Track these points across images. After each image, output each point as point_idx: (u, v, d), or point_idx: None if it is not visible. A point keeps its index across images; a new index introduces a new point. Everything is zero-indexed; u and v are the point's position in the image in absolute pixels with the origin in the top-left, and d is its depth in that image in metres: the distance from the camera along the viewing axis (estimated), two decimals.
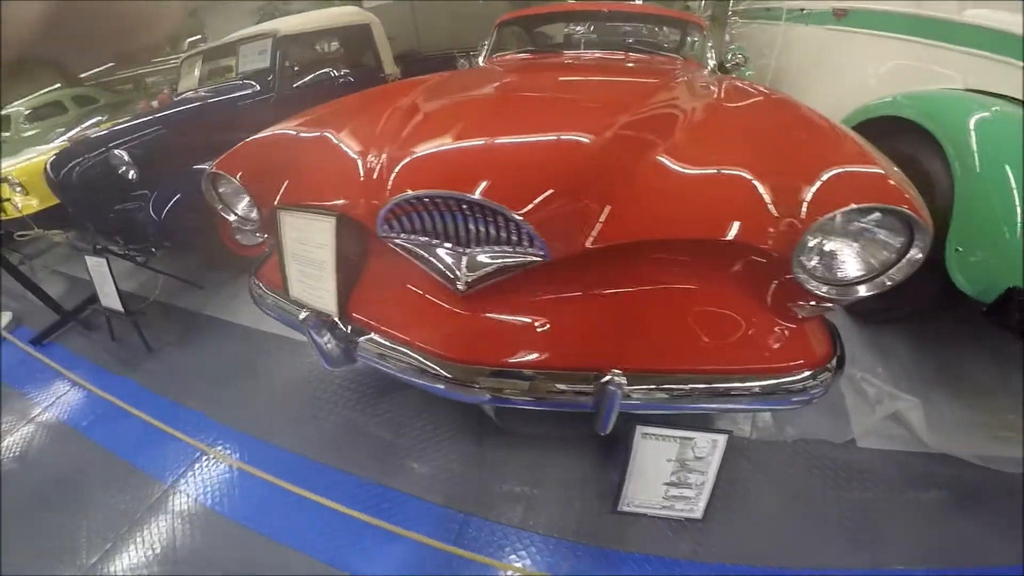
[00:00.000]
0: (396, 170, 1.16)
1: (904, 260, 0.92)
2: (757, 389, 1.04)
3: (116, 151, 2.53)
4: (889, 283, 0.94)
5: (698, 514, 1.34)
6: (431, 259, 1.12)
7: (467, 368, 1.09)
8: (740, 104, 1.53)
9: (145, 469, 1.76)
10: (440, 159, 1.16)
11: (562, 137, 1.19)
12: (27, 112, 6.61)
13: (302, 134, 1.61)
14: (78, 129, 4.50)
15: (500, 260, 1.04)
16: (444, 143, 1.19)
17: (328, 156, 1.46)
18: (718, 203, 1.03)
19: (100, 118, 5.55)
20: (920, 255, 0.90)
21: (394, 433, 1.75)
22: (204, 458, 1.77)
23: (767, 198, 0.99)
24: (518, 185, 1.03)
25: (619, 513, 1.37)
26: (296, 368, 2.14)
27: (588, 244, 1.00)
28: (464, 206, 1.03)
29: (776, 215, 0.96)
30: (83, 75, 10.30)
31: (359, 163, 1.33)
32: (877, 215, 0.90)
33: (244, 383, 2.14)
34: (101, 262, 2.36)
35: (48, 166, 2.68)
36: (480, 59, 2.76)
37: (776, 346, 1.08)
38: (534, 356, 1.09)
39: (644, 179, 1.09)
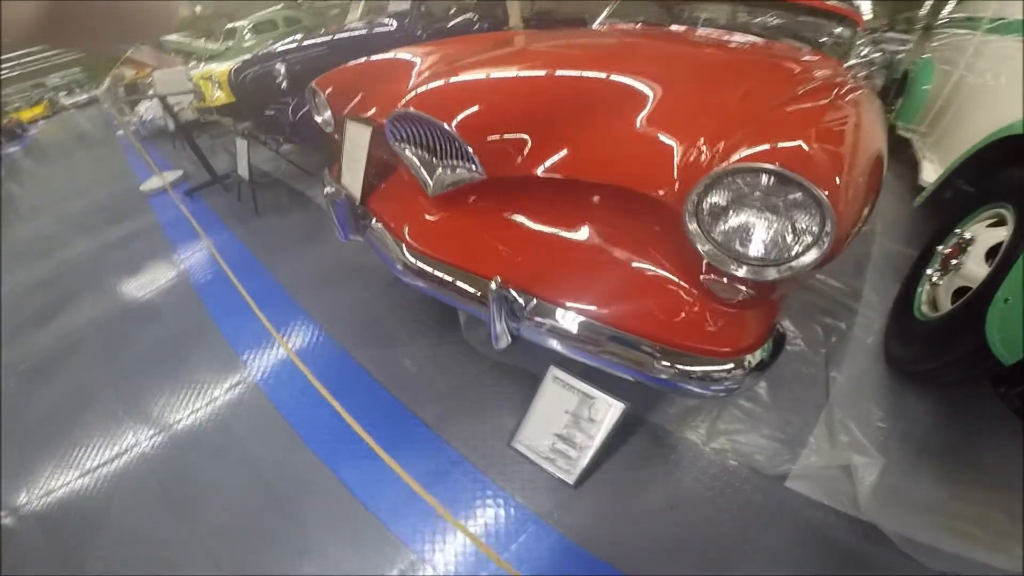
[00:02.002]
0: (409, 96, 1.51)
1: (814, 246, 0.89)
2: (648, 350, 1.08)
3: (277, 65, 3.28)
4: (795, 268, 0.91)
5: (572, 479, 1.37)
6: (413, 166, 1.46)
7: (421, 256, 1.43)
8: (772, 81, 1.47)
9: (226, 338, 2.26)
10: (433, 91, 1.46)
11: (532, 87, 1.42)
12: (249, 26, 8.26)
13: (379, 64, 2.05)
14: (275, 43, 5.63)
15: (454, 173, 1.35)
16: (444, 81, 1.49)
17: (386, 82, 1.86)
18: (639, 156, 1.15)
19: (297, 36, 6.83)
20: (827, 241, 0.86)
21: (383, 316, 2.14)
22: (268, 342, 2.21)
23: (679, 157, 1.07)
24: (470, 117, 1.28)
25: (512, 449, 1.47)
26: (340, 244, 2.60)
27: (513, 171, 1.25)
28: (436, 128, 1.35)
29: (677, 173, 1.04)
30: None
31: (401, 89, 1.70)
32: (798, 195, 0.88)
33: (303, 249, 2.82)
34: (244, 144, 3.21)
35: (231, 72, 3.56)
36: (595, 23, 2.93)
37: (689, 322, 1.10)
38: (464, 259, 1.34)
39: (590, 131, 1.25)
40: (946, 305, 1.54)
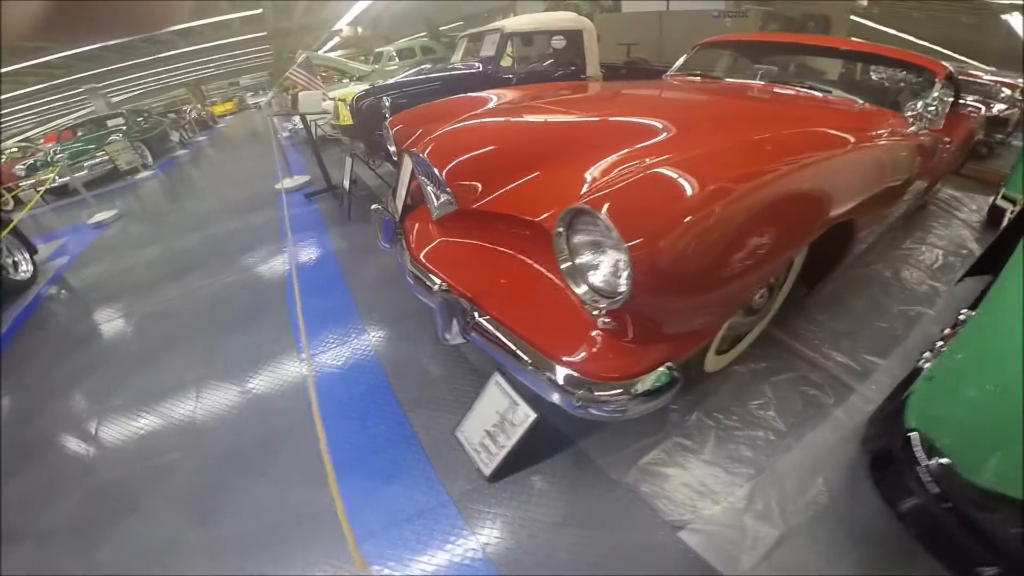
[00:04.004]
0: (426, 139, 1.93)
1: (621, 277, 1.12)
2: (527, 361, 1.35)
3: (384, 97, 4.00)
4: (617, 299, 1.13)
5: (487, 472, 1.60)
6: (426, 192, 1.87)
7: (424, 270, 1.82)
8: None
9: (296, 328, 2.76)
10: (439, 137, 1.89)
11: (503, 137, 1.85)
12: (394, 52, 9.57)
13: (439, 106, 2.54)
14: (412, 70, 6.58)
15: (442, 201, 1.74)
16: (450, 129, 1.94)
17: (436, 123, 2.32)
18: (554, 200, 1.43)
19: (427, 65, 7.83)
20: (624, 269, 1.08)
21: (411, 312, 2.57)
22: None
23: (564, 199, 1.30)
24: (450, 161, 1.72)
25: (455, 437, 1.74)
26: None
27: (472, 206, 1.61)
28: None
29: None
30: (441, 28, 14.01)
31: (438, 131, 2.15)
32: (612, 237, 1.09)
33: (368, 249, 3.47)
34: (350, 161, 3.96)
35: (354, 98, 4.37)
36: (666, 74, 3.19)
37: (570, 342, 1.33)
38: (446, 272, 1.70)
39: (533, 181, 1.61)
40: None
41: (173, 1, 0.37)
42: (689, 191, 1.20)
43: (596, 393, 1.26)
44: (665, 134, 1.75)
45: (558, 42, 4.08)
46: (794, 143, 1.60)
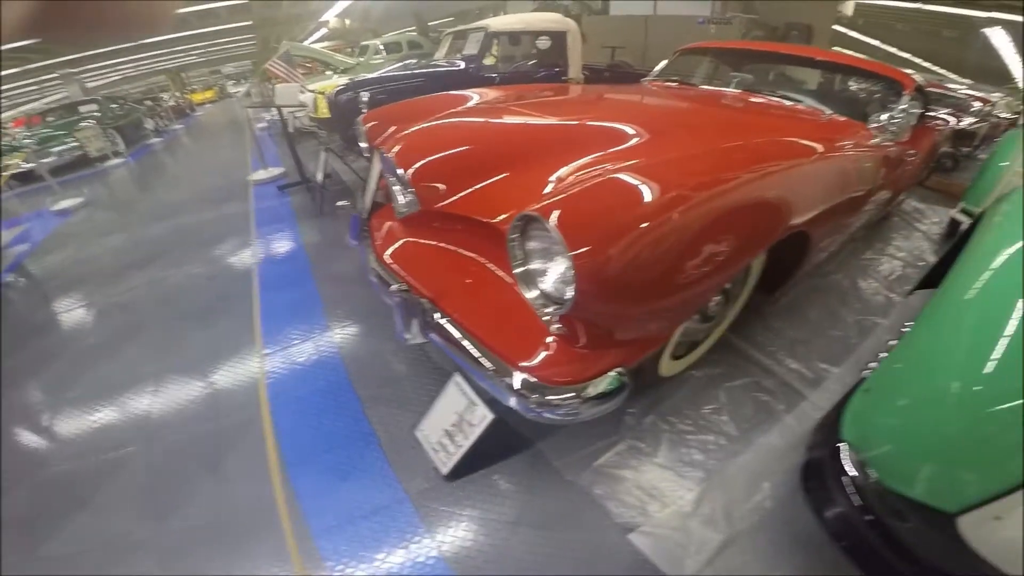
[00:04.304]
0: (396, 138, 1.93)
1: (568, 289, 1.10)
2: (484, 364, 1.36)
3: (363, 92, 3.98)
4: (563, 306, 1.14)
5: (445, 471, 1.62)
6: (392, 191, 1.87)
7: (381, 264, 1.81)
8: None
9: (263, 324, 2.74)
10: (408, 135, 1.88)
11: (471, 140, 1.84)
12: (381, 45, 9.46)
13: (415, 105, 2.54)
14: (396, 65, 6.51)
15: (407, 200, 1.74)
16: (419, 128, 1.94)
17: (409, 121, 2.31)
18: (515, 204, 1.43)
19: (412, 61, 7.74)
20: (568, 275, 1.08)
21: (376, 310, 2.55)
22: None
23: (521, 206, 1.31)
24: (415, 162, 1.72)
25: (414, 436, 1.74)
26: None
27: (434, 207, 1.61)
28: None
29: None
30: (431, 23, 13.90)
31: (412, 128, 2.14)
32: (558, 243, 1.09)
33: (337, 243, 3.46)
34: (324, 155, 3.92)
35: (333, 91, 4.34)
36: (646, 79, 3.22)
37: (526, 346, 1.35)
38: (409, 272, 1.71)
39: (498, 183, 1.62)
40: None
41: (161, 3, 0.38)
42: (646, 197, 1.21)
43: (549, 397, 1.28)
44: (636, 139, 1.78)
45: (543, 42, 4.10)
46: (758, 152, 1.63)
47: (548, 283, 1.24)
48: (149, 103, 13.77)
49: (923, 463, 0.98)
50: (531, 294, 1.26)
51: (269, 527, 1.59)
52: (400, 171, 1.71)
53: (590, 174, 1.44)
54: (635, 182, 1.26)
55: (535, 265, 1.26)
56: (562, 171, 1.58)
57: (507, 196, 1.57)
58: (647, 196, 1.21)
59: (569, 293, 1.11)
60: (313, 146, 6.07)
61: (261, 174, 5.43)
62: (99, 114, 9.58)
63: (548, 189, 1.52)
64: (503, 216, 1.47)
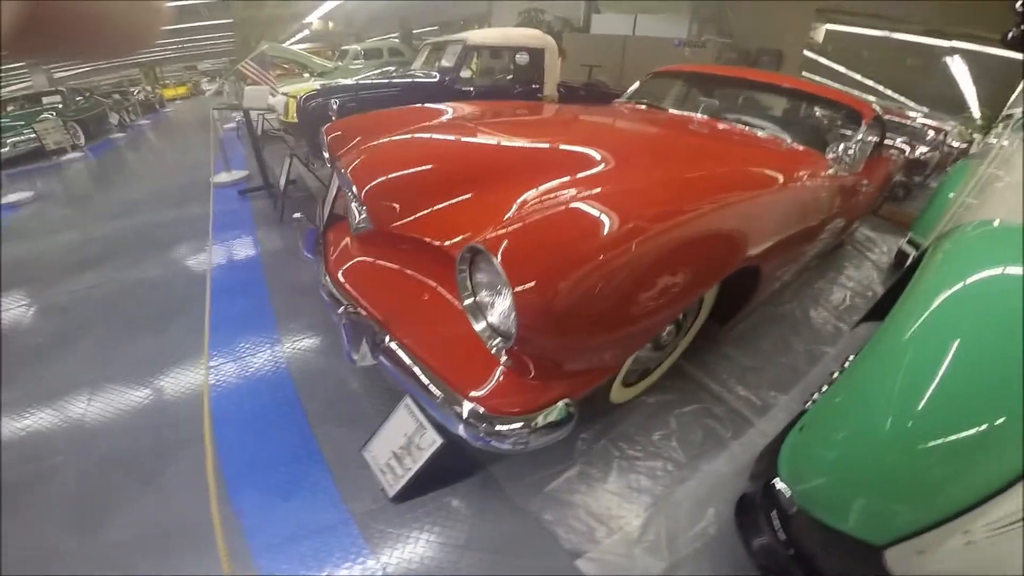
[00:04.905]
0: (355, 153, 1.92)
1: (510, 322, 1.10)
2: (432, 392, 1.35)
3: (333, 100, 3.94)
4: (508, 340, 1.14)
5: (392, 493, 1.60)
6: (348, 206, 1.85)
7: (332, 281, 1.78)
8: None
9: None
10: (366, 150, 1.88)
11: (429, 160, 1.82)
12: (361, 51, 9.39)
13: (381, 117, 2.52)
14: (374, 72, 6.47)
15: (360, 218, 1.72)
16: (376, 144, 1.93)
17: (373, 135, 2.30)
18: (468, 229, 1.46)
19: (391, 68, 7.65)
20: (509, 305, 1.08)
21: (322, 321, 2.56)
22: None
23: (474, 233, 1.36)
24: (376, 182, 1.70)
25: (361, 456, 1.73)
26: None
27: (388, 227, 1.60)
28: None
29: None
30: (415, 31, 13.86)
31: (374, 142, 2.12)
32: (502, 276, 1.09)
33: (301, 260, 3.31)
34: (288, 161, 3.85)
35: (302, 97, 4.28)
36: (617, 100, 3.27)
37: (475, 375, 1.34)
38: (359, 291, 1.70)
39: (457, 206, 1.61)
40: None
41: (147, 21, 0.38)
42: (604, 228, 1.21)
43: (497, 427, 1.27)
44: (603, 166, 1.79)
45: (521, 58, 4.14)
46: (719, 182, 1.67)
47: (495, 316, 1.24)
48: (117, 96, 13.34)
49: (855, 496, 1.01)
50: (479, 326, 1.26)
51: (204, 543, 1.54)
52: (355, 188, 1.68)
53: (551, 200, 1.45)
54: (594, 212, 1.27)
55: (483, 297, 1.26)
56: (527, 195, 1.57)
57: (464, 219, 1.56)
58: (605, 227, 1.22)
59: (513, 328, 1.11)
60: (281, 150, 5.97)
61: (224, 177, 5.30)
62: (61, 106, 9.23)
63: (509, 214, 1.50)
64: (456, 239, 1.47)
